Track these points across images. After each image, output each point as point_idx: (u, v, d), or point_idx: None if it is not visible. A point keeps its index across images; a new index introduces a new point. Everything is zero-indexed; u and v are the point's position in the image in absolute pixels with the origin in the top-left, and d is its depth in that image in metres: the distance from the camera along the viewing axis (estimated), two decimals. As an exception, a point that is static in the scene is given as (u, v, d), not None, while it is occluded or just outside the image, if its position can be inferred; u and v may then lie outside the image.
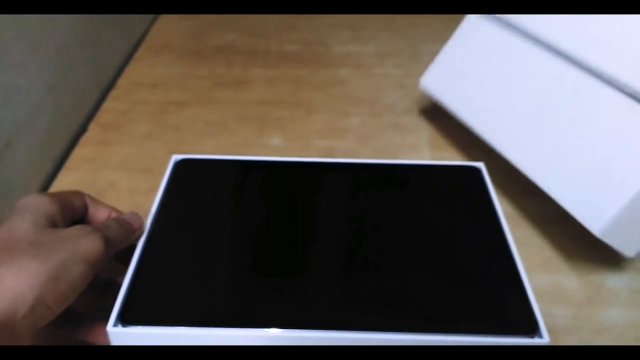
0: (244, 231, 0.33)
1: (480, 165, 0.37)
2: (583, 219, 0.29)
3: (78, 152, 0.51)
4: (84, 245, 0.26)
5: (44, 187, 0.48)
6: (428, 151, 0.51)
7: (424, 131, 0.54)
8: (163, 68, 0.64)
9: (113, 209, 0.32)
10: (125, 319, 0.27)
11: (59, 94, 0.51)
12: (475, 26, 0.42)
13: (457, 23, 0.73)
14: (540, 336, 0.27)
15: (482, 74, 0.39)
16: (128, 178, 0.48)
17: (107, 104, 0.58)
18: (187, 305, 0.28)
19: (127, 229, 0.30)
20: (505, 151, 0.34)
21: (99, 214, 0.32)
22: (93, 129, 0.54)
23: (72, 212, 0.30)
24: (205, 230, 0.33)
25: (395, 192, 0.36)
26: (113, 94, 0.60)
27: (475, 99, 0.37)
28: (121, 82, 0.62)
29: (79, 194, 0.31)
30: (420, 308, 0.28)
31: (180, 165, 0.38)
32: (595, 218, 0.28)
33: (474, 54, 0.41)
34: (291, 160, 0.38)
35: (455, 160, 0.49)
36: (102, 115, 0.56)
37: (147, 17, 0.75)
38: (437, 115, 0.56)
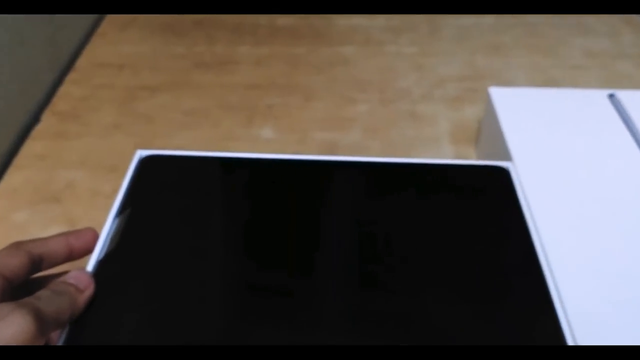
0: (221, 243, 0.33)
1: (508, 165, 0.37)
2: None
3: (29, 147, 0.51)
4: (5, 329, 0.24)
5: (-12, 189, 0.47)
6: (450, 145, 0.51)
7: (445, 121, 0.54)
8: (131, 45, 0.64)
9: (68, 234, 0.31)
10: (75, 339, 0.27)
11: (4, 77, 0.51)
12: (597, 100, 0.44)
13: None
14: None
15: (575, 142, 0.40)
16: (89, 178, 0.47)
17: (64, 88, 0.58)
18: (150, 331, 0.28)
19: (69, 295, 0.28)
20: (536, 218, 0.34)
21: (55, 250, 0.31)
22: (47, 119, 0.54)
23: (9, 281, 0.28)
24: (173, 241, 0.33)
25: (407, 197, 0.36)
26: (71, 76, 0.60)
27: (545, 155, 0.39)
28: (81, 62, 0.62)
29: (17, 248, 0.30)
30: (438, 330, 0.28)
31: (146, 163, 0.37)
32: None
33: (580, 118, 0.42)
34: (282, 157, 0.38)
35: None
36: (58, 103, 0.56)
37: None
38: (461, 102, 0.56)
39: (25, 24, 0.54)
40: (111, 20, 0.69)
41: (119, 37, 0.66)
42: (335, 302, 0.30)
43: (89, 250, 0.32)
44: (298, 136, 0.52)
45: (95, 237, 0.32)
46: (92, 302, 0.29)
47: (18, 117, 0.54)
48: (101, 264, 0.31)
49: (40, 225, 0.43)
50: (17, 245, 0.30)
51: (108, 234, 0.33)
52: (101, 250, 0.32)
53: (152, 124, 0.53)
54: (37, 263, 0.30)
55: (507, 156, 0.39)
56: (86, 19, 0.68)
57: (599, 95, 0.44)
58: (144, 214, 0.34)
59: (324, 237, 0.33)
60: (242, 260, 0.32)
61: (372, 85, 0.59)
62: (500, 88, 0.45)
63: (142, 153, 0.38)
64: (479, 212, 0.35)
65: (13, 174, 0.48)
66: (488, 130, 0.44)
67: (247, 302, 0.30)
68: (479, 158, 0.48)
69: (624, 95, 0.43)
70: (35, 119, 0.54)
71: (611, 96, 0.44)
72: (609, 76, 0.59)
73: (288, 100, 0.56)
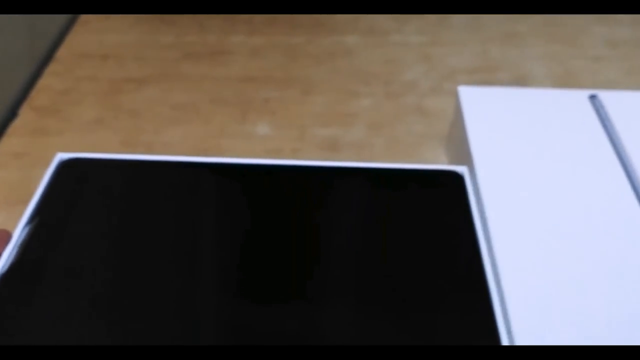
0: (136, 257, 0.32)
1: (463, 170, 0.37)
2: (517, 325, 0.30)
3: (5, 144, 0.51)
4: None
5: (-39, 190, 0.48)
6: (461, 142, 0.51)
7: (456, 116, 0.54)
8: (116, 34, 0.64)
9: None
10: None
11: (-20, 69, 0.51)
12: (575, 101, 0.42)
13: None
14: None
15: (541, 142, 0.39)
16: (70, 178, 0.47)
17: (44, 81, 0.58)
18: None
19: None
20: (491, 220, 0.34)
21: None
22: (25, 114, 0.54)
23: None
24: (83, 254, 0.32)
25: (357, 202, 0.35)
26: (51, 68, 0.60)
27: (509, 155, 0.38)
28: (61, 52, 0.62)
29: None
30: (376, 329, 0.29)
31: (66, 167, 0.37)
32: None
33: (549, 115, 0.41)
34: (209, 161, 0.37)
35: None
36: (37, 96, 0.56)
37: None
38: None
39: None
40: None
41: (103, 25, 0.66)
42: (276, 301, 0.30)
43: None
44: (296, 132, 0.52)
45: (7, 240, 0.32)
46: None
47: (-7, 111, 0.54)
48: (4, 275, 0.31)
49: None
50: None
51: (15, 244, 0.32)
52: (6, 262, 0.31)
53: (139, 119, 0.53)
54: None
55: (470, 161, 0.38)
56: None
57: (580, 96, 0.43)
58: (54, 224, 0.33)
59: (254, 239, 0.33)
60: (158, 273, 0.31)
61: (376, 77, 0.59)
62: (471, 87, 0.44)
63: (62, 156, 0.37)
64: (429, 217, 0.35)
65: (-12, 174, 0.48)
66: (456, 132, 0.43)
67: (153, 314, 0.29)
68: (448, 161, 0.48)
69: (607, 96, 0.42)
70: (12, 114, 0.54)
71: (593, 97, 0.42)
72: (633, 68, 0.59)
73: (285, 94, 0.56)
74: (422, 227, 0.34)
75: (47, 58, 0.61)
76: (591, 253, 0.33)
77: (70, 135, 0.52)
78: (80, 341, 0.28)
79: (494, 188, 0.36)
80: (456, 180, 0.37)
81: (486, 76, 0.59)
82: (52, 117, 0.54)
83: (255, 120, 0.53)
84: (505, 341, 0.28)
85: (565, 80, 0.58)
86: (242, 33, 0.65)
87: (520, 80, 0.58)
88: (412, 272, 0.32)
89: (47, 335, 0.28)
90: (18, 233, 0.32)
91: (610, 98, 0.42)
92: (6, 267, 0.31)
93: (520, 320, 0.30)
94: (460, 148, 0.41)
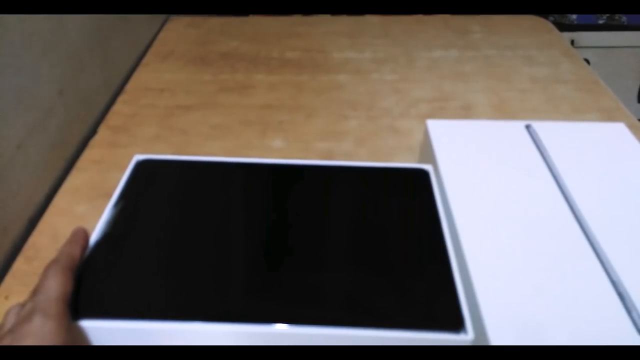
0: (187, 230, 0.32)
1: (429, 168, 0.37)
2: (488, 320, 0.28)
3: (88, 154, 0.51)
4: (52, 286, 0.27)
5: (55, 187, 0.47)
6: (423, 153, 0.51)
7: (419, 134, 0.53)
8: (170, 73, 0.64)
9: (74, 241, 0.32)
10: (76, 313, 0.27)
11: (69, 98, 0.51)
12: (515, 130, 0.42)
13: (452, 31, 0.73)
14: (466, 333, 0.26)
15: (495, 167, 0.38)
16: (136, 178, 0.47)
17: (116, 107, 0.58)
18: (114, 299, 0.28)
19: (75, 242, 0.30)
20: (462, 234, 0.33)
21: (82, 246, 0.32)
22: (102, 132, 0.54)
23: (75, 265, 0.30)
24: (151, 230, 0.32)
25: (338, 193, 0.35)
26: (122, 98, 0.60)
27: (468, 176, 0.37)
28: (130, 86, 0.62)
29: (77, 241, 0.31)
30: (348, 303, 0.28)
31: (141, 165, 0.37)
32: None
33: (499, 144, 0.40)
34: (242, 161, 0.38)
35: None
36: (111, 119, 0.56)
37: (154, 25, 0.75)
38: (431, 118, 0.56)
39: (84, 55, 0.54)
40: (154, 53, 0.69)
41: (160, 67, 0.66)
42: (266, 273, 0.30)
43: (87, 241, 0.32)
44: (302, 145, 0.52)
45: (85, 236, 0.32)
46: (89, 274, 0.29)
47: (80, 130, 0.54)
48: (100, 240, 0.31)
49: (97, 217, 0.43)
50: (76, 239, 0.31)
51: (105, 221, 0.33)
52: (98, 233, 0.32)
53: (186, 135, 0.53)
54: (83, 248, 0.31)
55: (436, 165, 0.38)
56: (134, 52, 0.68)
57: (518, 126, 0.42)
58: (133, 206, 0.34)
59: (264, 223, 0.33)
60: (199, 240, 0.32)
61: (361, 105, 0.58)
62: (436, 120, 0.43)
63: (138, 157, 0.37)
64: (403, 201, 0.34)
65: (75, 176, 0.48)
66: (425, 153, 0.43)
67: (214, 277, 0.30)
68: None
69: (538, 125, 0.42)
70: (93, 132, 0.54)
71: (528, 126, 0.42)
72: (550, 97, 0.59)
73: (294, 117, 0.56)
74: (398, 207, 0.34)
75: (119, 90, 0.61)
76: (529, 225, 0.33)
77: (136, 147, 0.52)
78: (147, 285, 0.29)
79: (454, 183, 0.36)
80: (423, 174, 0.37)
81: (441, 104, 0.58)
82: (122, 134, 0.54)
83: (272, 137, 0.53)
84: (462, 296, 0.28)
85: (500, 107, 0.58)
86: (263, 73, 0.64)
87: (467, 107, 0.57)
88: (390, 239, 0.32)
89: (126, 281, 0.29)
90: (107, 213, 0.33)
91: (539, 126, 0.42)
92: (99, 236, 0.31)
93: (477, 271, 0.30)
94: (428, 158, 0.41)
